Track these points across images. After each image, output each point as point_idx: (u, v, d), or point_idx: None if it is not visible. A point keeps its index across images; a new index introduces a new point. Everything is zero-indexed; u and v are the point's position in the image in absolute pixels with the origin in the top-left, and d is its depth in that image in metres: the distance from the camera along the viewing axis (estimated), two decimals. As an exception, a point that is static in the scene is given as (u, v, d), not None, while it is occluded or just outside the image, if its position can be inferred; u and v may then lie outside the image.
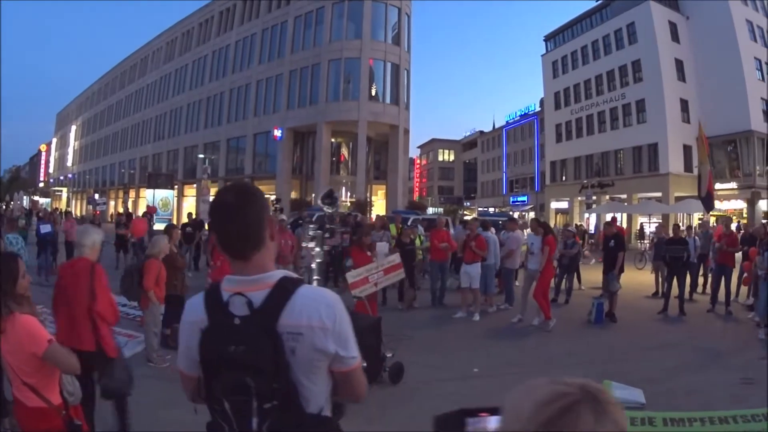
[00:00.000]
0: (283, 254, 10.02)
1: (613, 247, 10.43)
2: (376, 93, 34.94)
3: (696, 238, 12.69)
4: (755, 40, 36.99)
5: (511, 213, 37.19)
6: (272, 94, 38.70)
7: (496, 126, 70.46)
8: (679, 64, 37.75)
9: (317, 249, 7.48)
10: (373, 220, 16.78)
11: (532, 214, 37.20)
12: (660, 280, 13.19)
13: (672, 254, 10.96)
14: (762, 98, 36.00)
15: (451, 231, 14.61)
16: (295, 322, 1.41)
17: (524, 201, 56.63)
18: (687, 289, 11.30)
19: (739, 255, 12.15)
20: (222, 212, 1.48)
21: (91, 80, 75.90)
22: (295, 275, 1.57)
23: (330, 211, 7.33)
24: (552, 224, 31.62)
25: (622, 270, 10.53)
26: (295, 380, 1.41)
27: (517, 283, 11.47)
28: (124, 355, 5.06)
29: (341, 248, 13.23)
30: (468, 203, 69.13)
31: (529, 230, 11.81)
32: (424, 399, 5.67)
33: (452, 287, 11.85)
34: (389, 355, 6.16)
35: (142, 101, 54.22)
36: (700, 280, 13.55)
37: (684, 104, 37.45)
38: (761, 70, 36.90)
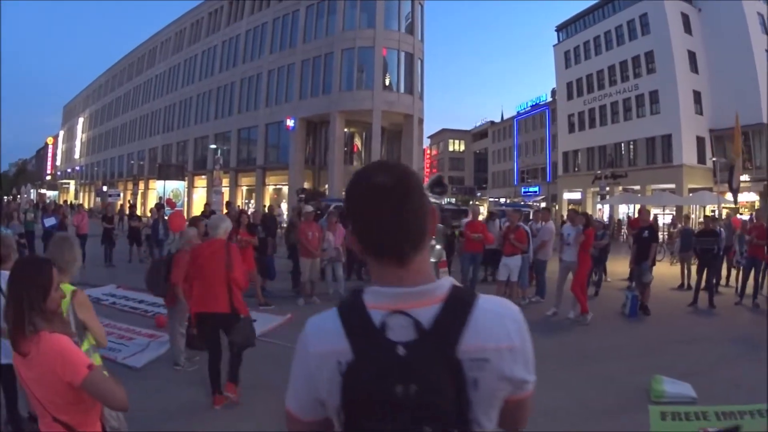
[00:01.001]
0: (312, 247, 10.06)
1: (647, 237, 10.30)
2: (390, 82, 34.78)
3: (721, 230, 12.60)
4: (766, 33, 36.92)
5: (524, 203, 37.17)
6: (284, 84, 38.49)
7: (506, 117, 70.33)
8: (692, 56, 37.77)
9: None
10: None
11: (543, 205, 37.08)
12: (686, 272, 13.23)
13: (703, 246, 11.00)
14: None
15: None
16: (480, 344, 1.07)
17: (536, 192, 56.55)
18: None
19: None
20: (377, 199, 1.10)
21: (98, 72, 75.86)
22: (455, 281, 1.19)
23: (439, 201, 6.64)
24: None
25: (654, 262, 10.52)
26: (474, 420, 1.08)
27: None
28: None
29: None
30: (479, 194, 68.78)
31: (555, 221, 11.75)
32: None
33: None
34: None
35: (150, 92, 54.07)
36: (724, 272, 13.48)
37: (697, 96, 37.49)
38: None
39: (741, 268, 11.89)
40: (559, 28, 48.39)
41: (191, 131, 46.16)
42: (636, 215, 14.39)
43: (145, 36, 58.24)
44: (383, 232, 1.10)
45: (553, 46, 49.00)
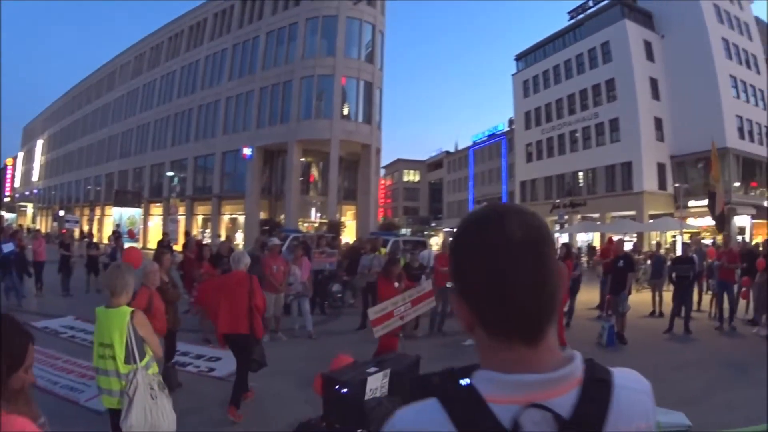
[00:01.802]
0: (278, 281, 9.50)
1: (623, 267, 10.34)
2: (349, 111, 34.24)
3: (694, 255, 12.77)
4: (731, 58, 37.46)
5: None
6: (242, 112, 37.72)
7: (460, 147, 71.00)
8: (654, 83, 38.08)
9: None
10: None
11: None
12: (657, 299, 13.44)
13: (680, 273, 11.04)
14: (737, 115, 36.45)
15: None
16: (627, 430, 0.87)
17: None
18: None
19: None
20: (514, 258, 0.85)
21: (58, 93, 74.11)
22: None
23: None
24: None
25: (630, 291, 10.54)
26: None
27: None
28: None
29: (328, 273, 12.69)
30: (434, 224, 68.62)
31: None
32: None
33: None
34: None
35: (109, 116, 52.75)
36: (695, 297, 13.64)
37: (658, 122, 37.75)
38: (737, 87, 37.39)
39: (713, 293, 12.33)
40: (519, 57, 48.58)
41: (148, 158, 44.94)
42: (604, 244, 14.18)
43: (107, 57, 56.96)
44: (518, 302, 0.86)
45: (512, 75, 49.15)
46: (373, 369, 4.85)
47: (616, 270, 10.47)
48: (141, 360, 3.78)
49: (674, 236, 32.80)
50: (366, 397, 4.58)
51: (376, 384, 4.74)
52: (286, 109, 34.79)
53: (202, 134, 40.26)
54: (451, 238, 0.95)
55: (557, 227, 33.95)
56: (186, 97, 42.15)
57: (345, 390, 4.55)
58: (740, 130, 36.56)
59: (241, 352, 5.71)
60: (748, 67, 39.73)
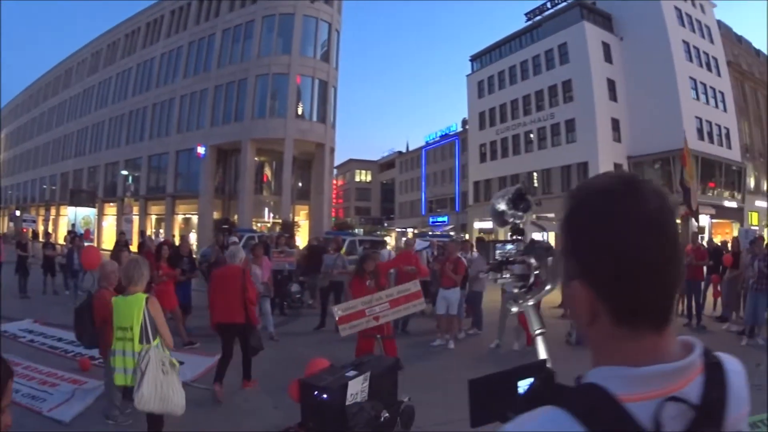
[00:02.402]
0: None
1: None
2: (303, 110, 33.85)
3: None
4: (691, 60, 37.95)
5: (453, 234, 36.71)
6: (196, 110, 37.01)
7: (411, 147, 71.01)
8: (612, 84, 38.41)
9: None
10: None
11: (453, 234, 36.63)
12: None
13: None
14: (696, 117, 36.95)
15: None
16: (737, 415, 0.82)
17: (444, 221, 56.30)
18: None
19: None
20: (654, 236, 0.77)
21: (15, 92, 72.31)
22: None
23: (520, 220, 3.55)
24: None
25: None
26: None
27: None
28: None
29: (287, 273, 12.38)
30: (386, 224, 68.33)
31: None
32: None
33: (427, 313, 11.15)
34: (406, 399, 5.32)
35: (65, 115, 51.45)
36: None
37: (615, 123, 38.06)
38: (696, 89, 37.92)
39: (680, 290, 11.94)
40: (474, 58, 48.64)
41: (102, 156, 43.91)
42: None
43: (65, 54, 55.65)
44: (654, 282, 0.78)
45: (467, 75, 49.19)
46: (352, 372, 4.65)
47: None
48: (153, 340, 4.26)
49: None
50: (347, 402, 4.39)
51: (357, 388, 4.57)
52: (241, 107, 34.24)
53: (156, 133, 39.43)
54: (568, 214, 0.82)
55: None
56: (141, 94, 41.27)
57: (325, 396, 4.35)
58: (699, 131, 37.05)
59: (233, 339, 6.33)
60: (709, 69, 40.34)
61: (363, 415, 4.39)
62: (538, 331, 1.82)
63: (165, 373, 4.16)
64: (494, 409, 1.31)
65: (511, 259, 1.97)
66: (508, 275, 1.98)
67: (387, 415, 4.69)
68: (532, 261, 1.94)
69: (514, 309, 1.92)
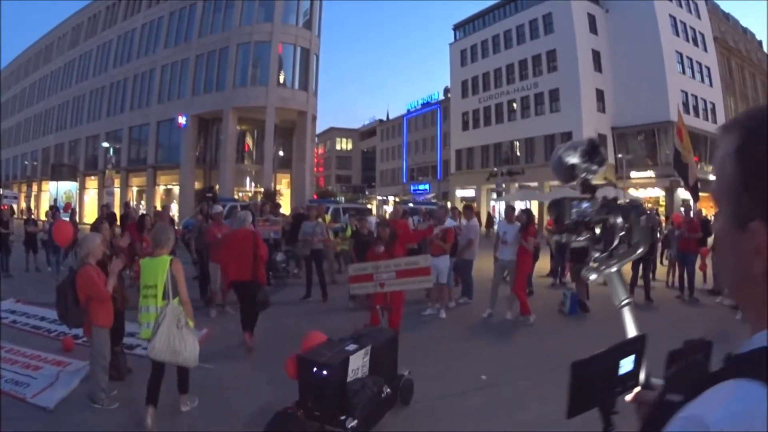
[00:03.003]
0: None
1: None
2: (285, 79, 33.51)
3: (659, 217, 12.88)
4: (677, 35, 37.83)
5: (436, 201, 36.62)
6: (177, 80, 36.56)
7: (392, 116, 70.67)
8: (597, 55, 38.32)
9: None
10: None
11: (435, 201, 36.58)
12: None
13: None
14: (682, 90, 36.92)
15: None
16: None
17: (426, 189, 56.34)
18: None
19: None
20: None
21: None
22: None
23: (594, 175, 2.35)
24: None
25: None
26: None
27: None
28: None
29: (272, 241, 11.96)
30: (368, 192, 67.92)
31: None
32: (455, 420, 4.81)
33: None
34: (406, 373, 5.09)
35: (45, 89, 50.73)
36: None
37: (600, 94, 38.00)
38: (682, 63, 37.83)
39: (675, 262, 12.09)
40: (457, 27, 48.37)
41: (83, 130, 43.35)
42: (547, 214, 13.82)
43: (46, 29, 54.79)
44: None
45: (450, 44, 48.87)
46: (352, 346, 4.35)
47: None
48: (174, 298, 4.61)
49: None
50: (348, 379, 4.12)
51: (358, 363, 4.29)
52: (222, 76, 33.88)
53: (137, 104, 38.95)
54: (742, 142, 0.70)
55: (494, 195, 33.99)
56: (122, 66, 40.69)
57: (325, 372, 4.02)
58: (685, 105, 36.98)
59: (246, 295, 6.89)
60: (696, 44, 40.29)
61: (366, 393, 4.14)
62: (625, 301, 1.64)
63: (179, 328, 4.51)
64: (593, 396, 1.21)
65: (587, 219, 1.74)
66: (583, 238, 1.74)
67: (389, 390, 4.49)
68: (618, 221, 1.71)
69: (593, 276, 1.67)
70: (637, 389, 1.19)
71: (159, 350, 4.41)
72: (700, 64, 40.50)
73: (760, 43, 59.54)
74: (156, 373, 4.57)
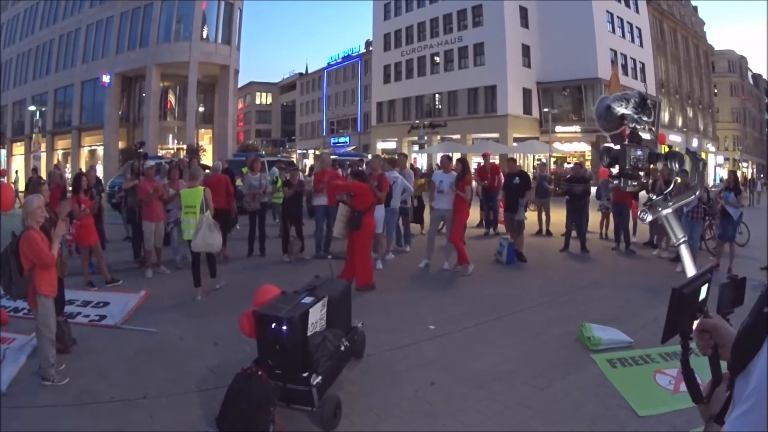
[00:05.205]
0: (159, 206, 8.76)
1: (519, 184, 10.29)
2: (208, 33, 33.30)
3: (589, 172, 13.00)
4: None
5: (357, 152, 36.75)
6: (102, 39, 35.95)
7: (311, 70, 70.35)
8: (524, 11, 38.72)
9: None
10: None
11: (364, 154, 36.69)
12: (544, 218, 13.32)
13: (574, 191, 11.05)
14: (611, 49, 37.67)
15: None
16: None
17: (346, 142, 56.47)
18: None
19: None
20: None
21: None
22: None
23: (643, 125, 2.38)
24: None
25: (526, 207, 10.63)
26: None
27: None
28: None
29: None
30: (288, 146, 67.59)
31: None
32: (412, 372, 4.79)
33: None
34: (359, 325, 5.01)
35: (-28, 58, 49.29)
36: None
37: (526, 49, 38.49)
38: (612, 23, 38.55)
39: (609, 213, 12.02)
40: (380, -20, 48.22)
41: (10, 95, 42.33)
42: (481, 165, 13.86)
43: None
44: None
45: (373, -1, 48.95)
46: (309, 299, 4.10)
47: (512, 187, 10.29)
48: (206, 212, 7.09)
49: (539, 159, 33.87)
50: (308, 333, 3.94)
51: (317, 316, 4.11)
52: (146, 33, 33.44)
53: (62, 65, 38.21)
54: None
55: (416, 148, 34.43)
56: (48, 28, 39.82)
57: (285, 328, 3.77)
58: (612, 63, 37.78)
59: (222, 220, 8.39)
60: (627, 5, 41.08)
61: (327, 347, 3.98)
62: (682, 239, 1.71)
63: (210, 230, 6.99)
64: (681, 320, 1.23)
65: (640, 165, 1.89)
66: (636, 183, 1.90)
67: (347, 343, 4.37)
68: (675, 166, 1.88)
69: (649, 217, 1.76)
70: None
71: (199, 244, 6.92)
72: (631, 25, 41.39)
73: (695, 8, 61.12)
74: (196, 261, 7.19)
